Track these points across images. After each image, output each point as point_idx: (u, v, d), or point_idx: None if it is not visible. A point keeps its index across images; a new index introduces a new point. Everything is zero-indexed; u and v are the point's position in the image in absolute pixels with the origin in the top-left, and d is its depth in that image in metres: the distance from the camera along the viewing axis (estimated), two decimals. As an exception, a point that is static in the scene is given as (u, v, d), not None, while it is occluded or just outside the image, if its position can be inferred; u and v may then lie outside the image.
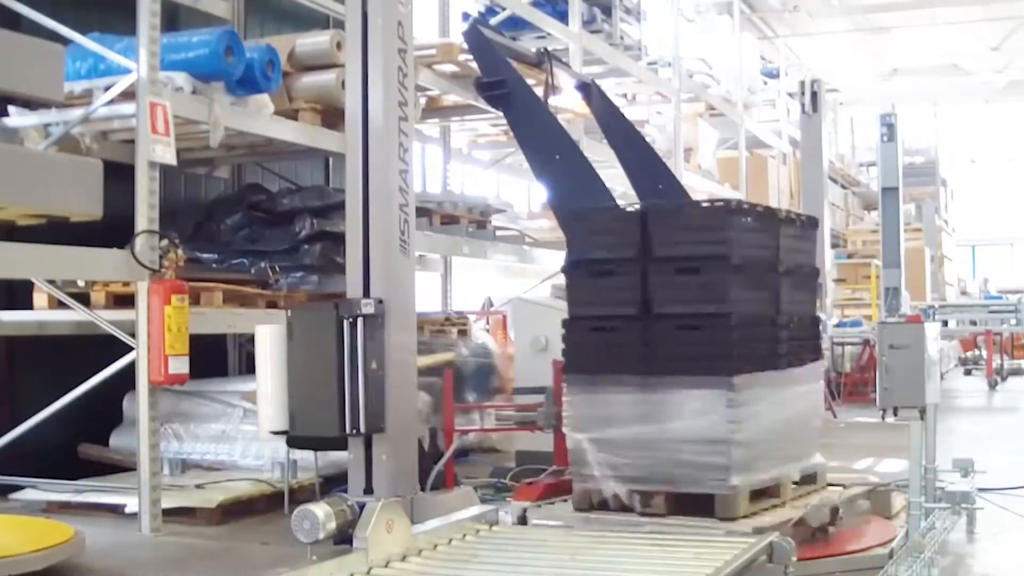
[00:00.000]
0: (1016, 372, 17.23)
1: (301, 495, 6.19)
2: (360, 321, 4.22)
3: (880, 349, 10.15)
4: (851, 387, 13.49)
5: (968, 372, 18.10)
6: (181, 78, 6.05)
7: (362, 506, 4.03)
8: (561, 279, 5.82)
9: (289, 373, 4.31)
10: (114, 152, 6.29)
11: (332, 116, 7.03)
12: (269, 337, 4.37)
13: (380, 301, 4.29)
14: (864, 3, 21.39)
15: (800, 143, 14.18)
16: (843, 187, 21.70)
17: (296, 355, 4.31)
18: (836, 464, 5.87)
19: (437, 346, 9.02)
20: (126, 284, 6.08)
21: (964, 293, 25.05)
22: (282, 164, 8.92)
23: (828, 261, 12.60)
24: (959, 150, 30.10)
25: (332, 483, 5.96)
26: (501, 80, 6.82)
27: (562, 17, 10.05)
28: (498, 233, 9.47)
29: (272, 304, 6.85)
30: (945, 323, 16.85)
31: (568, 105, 8.68)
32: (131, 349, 5.75)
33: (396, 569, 3.90)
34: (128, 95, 5.78)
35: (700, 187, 13.01)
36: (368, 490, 4.26)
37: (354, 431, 4.21)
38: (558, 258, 7.44)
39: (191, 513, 6.01)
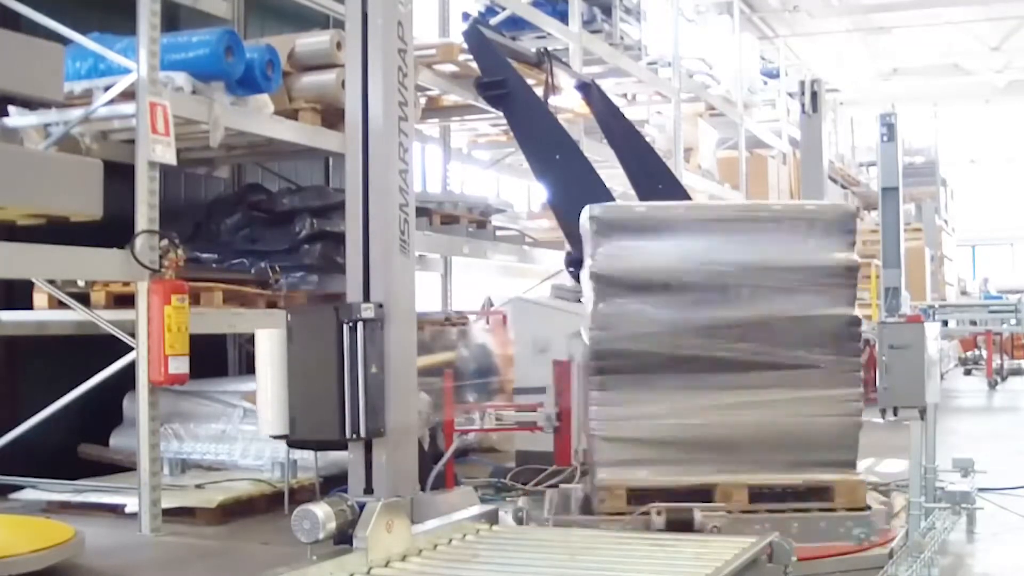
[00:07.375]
0: (1016, 372, 17.20)
1: (301, 495, 6.19)
2: (360, 325, 4.21)
3: (880, 349, 10.13)
4: (851, 387, 13.46)
5: (968, 372, 18.08)
6: (181, 78, 6.05)
7: (362, 506, 4.02)
8: (561, 279, 5.82)
9: (289, 377, 4.29)
10: (114, 152, 6.28)
11: (332, 116, 7.02)
12: (269, 340, 4.36)
13: (380, 305, 4.28)
14: (864, 3, 21.39)
15: (800, 143, 14.17)
16: (843, 187, 21.64)
17: (296, 358, 4.30)
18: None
19: (437, 346, 9.02)
20: (126, 284, 6.07)
21: (964, 293, 25.01)
22: (282, 164, 8.92)
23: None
24: (959, 150, 30.08)
25: (332, 483, 5.96)
26: (501, 80, 6.84)
27: (562, 17, 10.05)
28: (498, 233, 9.47)
29: (272, 304, 6.85)
30: (945, 323, 16.82)
31: (568, 105, 8.69)
32: (131, 349, 5.75)
33: (396, 569, 3.89)
34: (128, 95, 5.77)
35: (700, 187, 13.01)
36: (368, 490, 4.24)
37: (354, 435, 4.21)
38: (558, 258, 7.45)
39: (191, 513, 6.00)
